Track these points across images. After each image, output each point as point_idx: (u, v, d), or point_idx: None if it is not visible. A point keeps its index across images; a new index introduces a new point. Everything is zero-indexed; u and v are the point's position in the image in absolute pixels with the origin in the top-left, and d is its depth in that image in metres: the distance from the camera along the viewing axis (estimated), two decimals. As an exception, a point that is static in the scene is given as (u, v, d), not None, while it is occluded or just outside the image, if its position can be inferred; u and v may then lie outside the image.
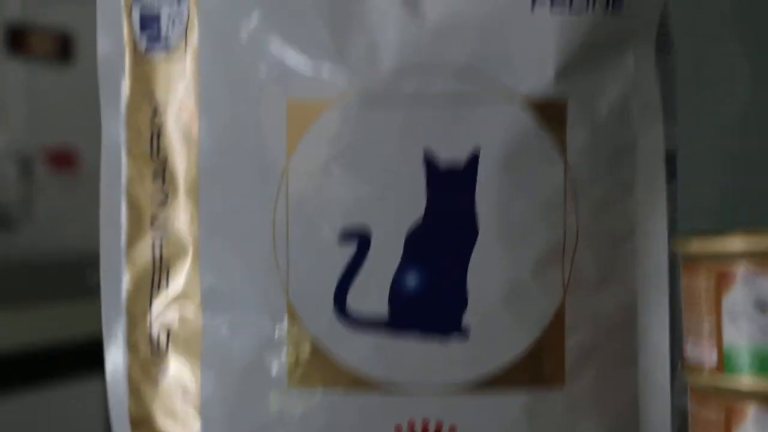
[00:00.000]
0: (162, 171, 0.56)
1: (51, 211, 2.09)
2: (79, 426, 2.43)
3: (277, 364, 0.53)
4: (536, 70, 0.52)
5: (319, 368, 0.53)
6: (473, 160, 0.52)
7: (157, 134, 0.56)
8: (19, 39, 1.98)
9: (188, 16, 0.55)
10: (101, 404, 2.30)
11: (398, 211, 0.52)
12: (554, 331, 0.52)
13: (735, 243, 0.46)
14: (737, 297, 0.46)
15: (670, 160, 0.55)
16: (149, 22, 0.56)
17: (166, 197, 0.56)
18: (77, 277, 2.06)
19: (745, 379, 0.46)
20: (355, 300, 0.52)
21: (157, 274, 0.56)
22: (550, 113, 0.52)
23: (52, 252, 2.05)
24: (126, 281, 0.57)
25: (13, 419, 2.55)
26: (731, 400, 0.46)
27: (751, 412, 0.46)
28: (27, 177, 2.05)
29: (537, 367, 0.52)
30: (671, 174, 0.55)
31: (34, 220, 2.06)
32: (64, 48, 2.04)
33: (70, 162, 2.13)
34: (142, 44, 0.57)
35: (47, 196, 2.09)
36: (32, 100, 2.11)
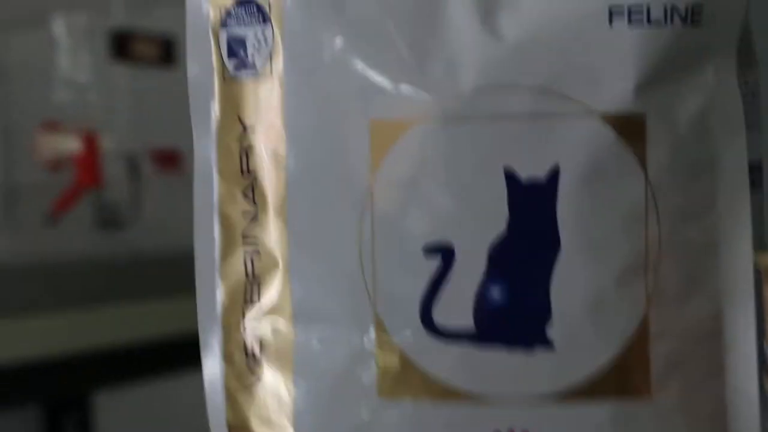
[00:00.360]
0: (251, 189, 0.58)
1: (158, 210, 2.12)
2: (191, 414, 2.46)
3: (367, 375, 0.54)
4: (615, 85, 0.52)
5: (407, 379, 0.54)
6: (554, 176, 0.52)
7: (246, 154, 0.58)
8: (123, 44, 2.01)
9: (273, 40, 0.57)
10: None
11: (481, 226, 0.53)
12: (639, 342, 0.53)
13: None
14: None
15: (755, 172, 0.55)
16: (236, 47, 0.58)
17: (256, 214, 0.58)
18: (184, 272, 2.08)
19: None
20: (440, 312, 0.53)
21: (249, 288, 0.58)
22: (630, 128, 0.52)
23: (160, 249, 2.08)
24: (220, 294, 0.59)
25: (127, 410, 2.60)
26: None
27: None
28: (134, 177, 2.08)
29: (623, 378, 0.52)
30: (756, 185, 0.56)
31: (141, 218, 2.09)
32: (167, 52, 2.07)
33: (175, 162, 2.16)
34: (230, 67, 0.58)
35: (154, 195, 2.12)
36: (137, 104, 2.15)
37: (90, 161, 1.97)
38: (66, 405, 2.58)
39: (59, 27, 1.98)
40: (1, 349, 1.82)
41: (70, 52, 2.00)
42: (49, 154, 1.96)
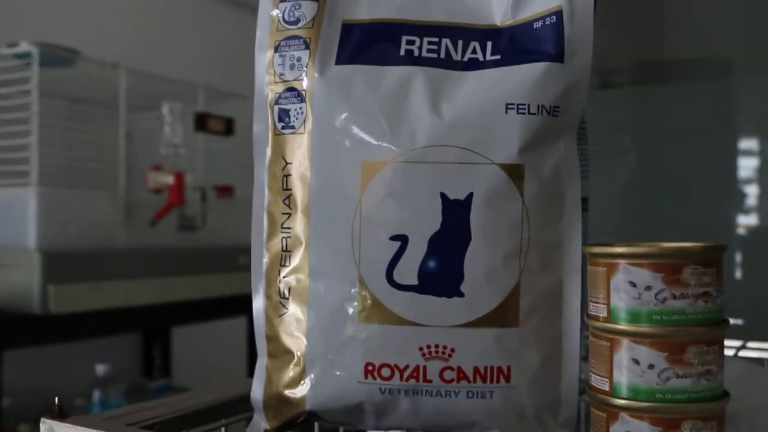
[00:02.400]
0: (288, 198, 0.58)
1: (216, 221, 2.13)
2: (230, 344, 2.46)
3: (352, 309, 0.54)
4: (507, 147, 0.53)
5: (377, 312, 0.54)
6: (469, 198, 0.53)
7: (286, 178, 0.58)
8: (202, 121, 2.01)
9: (306, 112, 0.57)
10: (247, 331, 2.34)
11: (425, 225, 0.53)
12: (513, 296, 0.53)
13: (618, 249, 0.48)
14: (619, 279, 0.48)
15: (585, 202, 0.57)
16: (284, 115, 0.58)
17: (290, 214, 0.58)
18: (232, 259, 2.09)
19: (621, 325, 0.48)
20: (398, 274, 0.54)
21: (283, 257, 0.58)
22: (515, 172, 0.53)
23: (216, 244, 2.09)
24: (265, 261, 0.59)
25: (193, 341, 2.59)
26: (614, 336, 0.48)
27: (624, 342, 0.48)
28: (204, 201, 2.08)
29: (503, 315, 0.53)
30: (585, 210, 0.57)
31: (206, 226, 2.09)
32: (228, 127, 2.08)
33: (229, 193, 2.16)
34: (279, 127, 0.59)
35: (214, 212, 2.13)
36: (209, 157, 2.15)
37: (178, 189, 1.96)
38: (155, 334, 2.55)
39: (165, 109, 1.98)
40: (120, 299, 1.82)
41: (171, 125, 2.00)
42: (155, 184, 1.95)
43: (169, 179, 1.93)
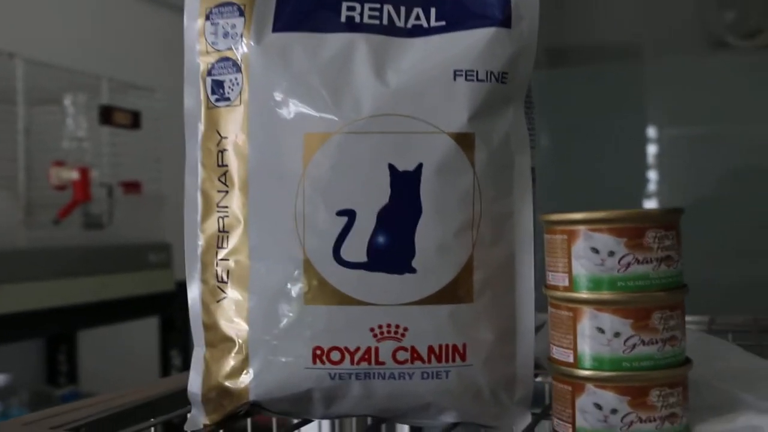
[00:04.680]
0: (224, 175, 0.54)
1: (123, 218, 2.05)
2: (141, 346, 2.38)
3: (296, 291, 0.51)
4: (456, 115, 0.51)
5: (323, 293, 0.51)
6: (419, 169, 0.51)
7: (221, 153, 0.54)
8: (108, 114, 1.93)
9: (242, 82, 0.54)
10: (158, 332, 2.26)
11: (373, 198, 0.51)
12: (466, 271, 0.51)
13: (577, 215, 0.47)
14: (580, 246, 0.46)
15: (534, 172, 0.55)
16: (217, 87, 0.54)
17: (226, 191, 0.54)
18: (141, 257, 2.01)
19: (584, 293, 0.46)
20: (345, 252, 0.51)
21: (220, 238, 0.54)
22: (465, 141, 0.51)
23: (122, 242, 2.01)
24: (200, 243, 0.55)
25: (97, 345, 2.48)
26: (576, 305, 0.46)
27: (588, 311, 0.46)
28: (110, 197, 2.01)
29: (457, 291, 0.51)
30: (534, 181, 0.55)
31: (113, 222, 2.02)
32: (135, 121, 2.00)
33: (137, 189, 2.08)
34: (212, 99, 0.55)
35: (121, 209, 2.05)
36: (115, 151, 2.07)
37: (83, 185, 1.88)
38: (60, 339, 2.44)
39: (68, 101, 1.89)
40: (20, 302, 1.73)
41: (75, 118, 1.91)
42: (58, 180, 1.86)
43: (73, 175, 1.84)
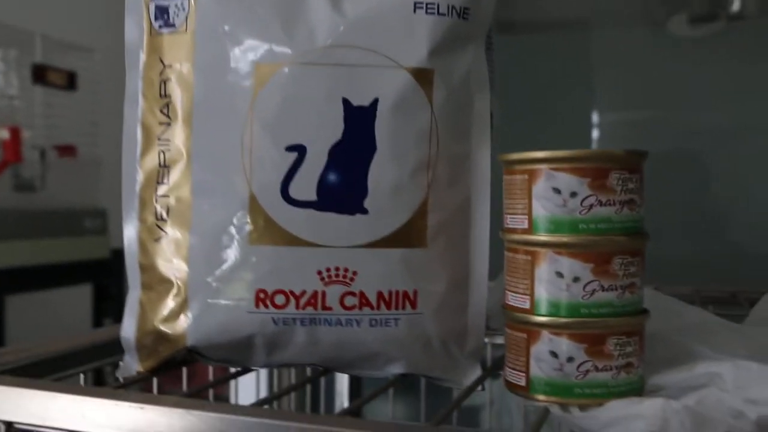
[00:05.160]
0: (167, 106, 0.51)
1: (56, 181, 1.98)
2: (73, 314, 2.30)
3: (241, 230, 0.48)
4: (416, 50, 0.48)
5: (269, 233, 0.48)
6: (374, 105, 0.48)
7: (164, 83, 0.51)
8: (41, 73, 1.85)
9: (189, 8, 0.50)
10: (92, 300, 2.19)
11: (325, 134, 0.48)
12: (421, 213, 0.49)
13: (539, 154, 0.45)
14: (541, 186, 0.44)
15: (491, 117, 0.53)
16: (161, 12, 0.51)
17: (168, 123, 0.51)
18: (76, 222, 1.95)
19: (543, 236, 0.44)
20: (294, 189, 0.48)
21: (160, 173, 0.51)
22: (424, 77, 0.48)
23: (55, 206, 1.94)
24: (139, 179, 0.51)
25: (26, 311, 2.40)
26: (535, 248, 0.44)
27: (547, 254, 0.44)
28: (43, 160, 1.93)
29: (410, 235, 0.48)
30: (492, 126, 0.53)
31: (45, 186, 1.94)
32: (71, 81, 1.92)
33: (71, 152, 2.01)
34: (156, 26, 0.51)
35: (54, 172, 1.97)
36: (49, 112, 1.99)
37: (14, 146, 1.80)
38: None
39: (-2, 57, 1.81)
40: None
41: (5, 75, 1.83)
42: (-14, 140, 1.78)
43: (3, 134, 1.76)
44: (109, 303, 2.11)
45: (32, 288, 2.03)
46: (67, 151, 1.98)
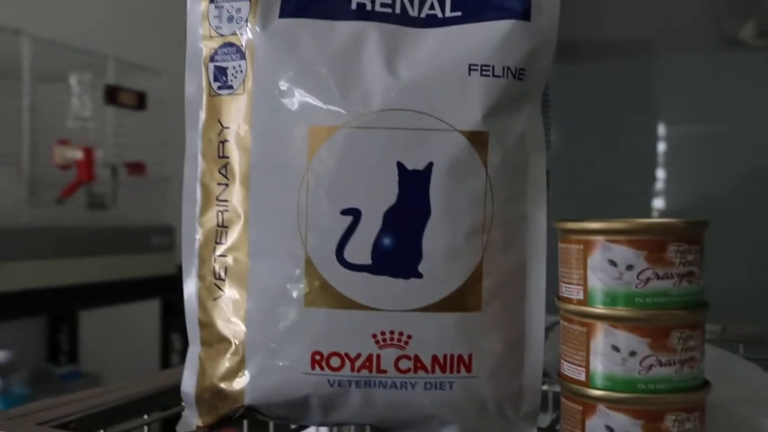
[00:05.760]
0: (225, 167, 0.51)
1: (128, 199, 2.03)
2: (142, 328, 2.36)
3: (297, 292, 0.49)
4: (470, 113, 0.48)
5: (324, 295, 0.48)
6: (429, 168, 0.48)
7: (222, 144, 0.52)
8: (113, 94, 1.91)
9: (246, 70, 0.51)
10: (160, 315, 2.24)
11: (380, 198, 0.48)
12: (476, 277, 0.49)
13: (595, 225, 0.44)
14: (597, 258, 0.43)
15: (547, 175, 0.52)
16: (220, 73, 0.52)
17: (227, 184, 0.52)
18: (144, 239, 1.99)
19: (599, 308, 0.43)
20: (349, 253, 0.48)
21: (219, 233, 0.52)
22: (478, 140, 0.48)
23: (126, 224, 1.99)
24: (198, 237, 0.53)
25: (98, 325, 2.47)
26: (591, 320, 0.44)
27: (603, 327, 0.43)
28: (114, 178, 1.98)
29: (464, 298, 0.48)
30: (548, 184, 0.52)
31: (117, 204, 1.99)
32: (141, 101, 1.97)
33: (141, 170, 2.06)
34: (215, 87, 0.52)
35: (125, 190, 2.02)
36: (120, 132, 2.05)
37: (87, 165, 1.86)
38: (62, 318, 2.42)
39: (73, 80, 1.87)
40: (22, 280, 1.71)
41: (80, 97, 1.88)
42: (62, 159, 1.84)
43: (77, 154, 1.82)
44: (176, 318, 2.16)
45: (104, 303, 2.09)
46: (136, 168, 2.03)
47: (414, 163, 0.48)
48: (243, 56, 0.51)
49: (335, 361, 0.48)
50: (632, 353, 0.42)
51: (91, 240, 1.87)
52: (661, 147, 1.83)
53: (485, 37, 0.49)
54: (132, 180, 1.99)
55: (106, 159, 1.94)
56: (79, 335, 2.45)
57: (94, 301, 2.03)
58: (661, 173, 1.82)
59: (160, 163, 2.06)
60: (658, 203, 1.86)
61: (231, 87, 0.51)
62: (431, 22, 0.50)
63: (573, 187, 1.67)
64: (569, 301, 0.45)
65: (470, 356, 0.49)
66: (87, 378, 2.19)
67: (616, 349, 0.42)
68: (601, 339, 0.43)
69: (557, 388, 0.61)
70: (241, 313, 0.51)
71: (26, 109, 1.77)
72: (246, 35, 0.51)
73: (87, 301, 2.02)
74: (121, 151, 1.99)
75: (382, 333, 0.48)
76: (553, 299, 0.47)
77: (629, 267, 0.42)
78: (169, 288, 2.11)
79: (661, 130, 1.83)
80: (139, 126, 2.00)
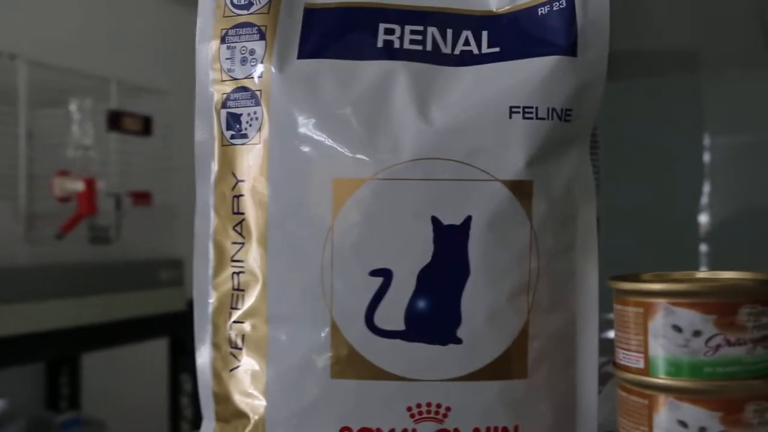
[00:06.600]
0: (240, 224, 0.51)
1: (132, 231, 2.03)
2: (149, 369, 2.36)
3: (322, 362, 0.48)
4: (512, 160, 0.47)
5: (353, 365, 0.47)
6: (467, 223, 0.47)
7: (237, 199, 0.51)
8: (116, 120, 1.92)
9: (262, 117, 0.50)
10: (168, 354, 2.24)
11: (413, 256, 0.47)
12: (521, 341, 0.47)
13: (656, 286, 0.42)
14: (659, 323, 0.42)
15: (598, 223, 0.51)
16: (234, 121, 0.51)
17: (243, 243, 0.51)
18: (151, 274, 1.99)
19: (662, 379, 0.42)
20: (380, 318, 0.47)
21: (234, 297, 0.51)
22: (521, 190, 0.47)
23: (132, 259, 1.99)
24: (212, 301, 0.52)
25: (102, 367, 2.47)
26: (652, 392, 0.42)
27: (666, 400, 0.42)
28: (118, 209, 1.99)
29: (508, 365, 0.47)
30: (599, 233, 0.51)
31: (121, 237, 2.00)
32: (146, 127, 1.98)
33: (146, 200, 2.06)
34: (228, 136, 0.51)
35: (130, 222, 2.03)
36: (123, 159, 2.05)
37: (89, 197, 1.86)
38: (62, 362, 2.43)
39: (73, 106, 1.88)
40: (20, 324, 1.71)
41: (80, 124, 1.90)
42: (62, 191, 1.85)
43: (79, 186, 1.82)
44: (186, 357, 2.16)
45: (108, 344, 2.09)
46: (142, 198, 2.03)
47: (450, 218, 0.47)
48: (258, 102, 0.50)
49: (367, 438, 0.47)
50: (702, 429, 0.40)
51: (95, 277, 1.88)
52: (707, 161, 1.81)
53: (527, 75, 0.48)
54: (137, 210, 1.99)
55: (110, 188, 1.95)
56: (81, 378, 2.45)
57: (98, 343, 2.04)
58: (707, 196, 1.81)
59: (166, 191, 2.06)
60: (703, 218, 1.85)
61: (245, 136, 0.50)
62: (466, 59, 0.49)
63: (618, 212, 1.66)
64: (627, 369, 0.43)
65: (516, 428, 0.47)
66: (89, 426, 2.19)
67: (683, 424, 0.41)
68: (664, 413, 0.41)
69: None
70: (261, 385, 0.49)
71: (23, 137, 1.79)
72: (261, 78, 0.50)
73: (90, 344, 2.03)
74: (125, 180, 2.00)
75: (418, 405, 0.47)
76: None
77: (696, 333, 0.41)
78: (178, 325, 2.11)
79: (710, 143, 1.81)
80: (143, 152, 2.00)
